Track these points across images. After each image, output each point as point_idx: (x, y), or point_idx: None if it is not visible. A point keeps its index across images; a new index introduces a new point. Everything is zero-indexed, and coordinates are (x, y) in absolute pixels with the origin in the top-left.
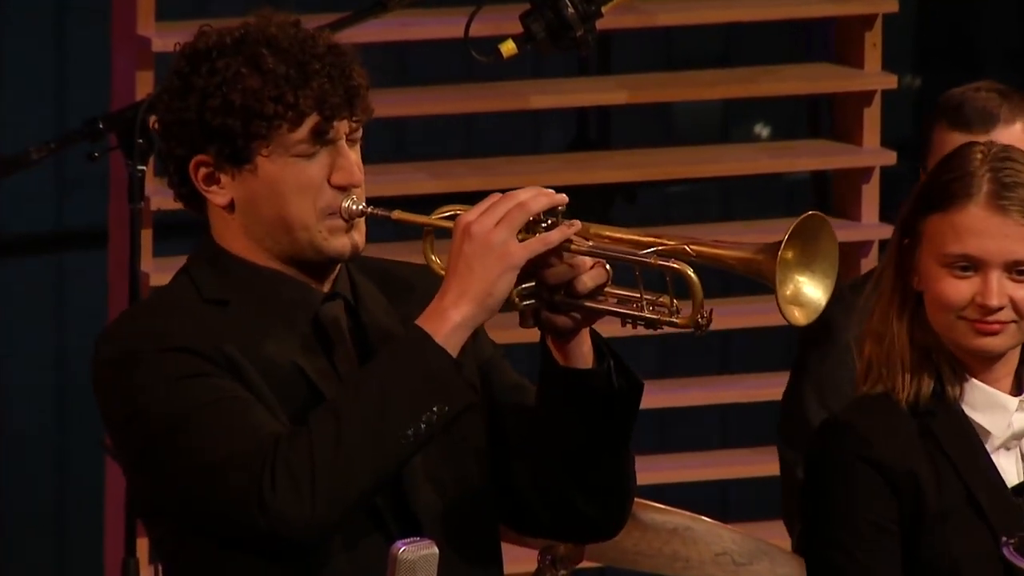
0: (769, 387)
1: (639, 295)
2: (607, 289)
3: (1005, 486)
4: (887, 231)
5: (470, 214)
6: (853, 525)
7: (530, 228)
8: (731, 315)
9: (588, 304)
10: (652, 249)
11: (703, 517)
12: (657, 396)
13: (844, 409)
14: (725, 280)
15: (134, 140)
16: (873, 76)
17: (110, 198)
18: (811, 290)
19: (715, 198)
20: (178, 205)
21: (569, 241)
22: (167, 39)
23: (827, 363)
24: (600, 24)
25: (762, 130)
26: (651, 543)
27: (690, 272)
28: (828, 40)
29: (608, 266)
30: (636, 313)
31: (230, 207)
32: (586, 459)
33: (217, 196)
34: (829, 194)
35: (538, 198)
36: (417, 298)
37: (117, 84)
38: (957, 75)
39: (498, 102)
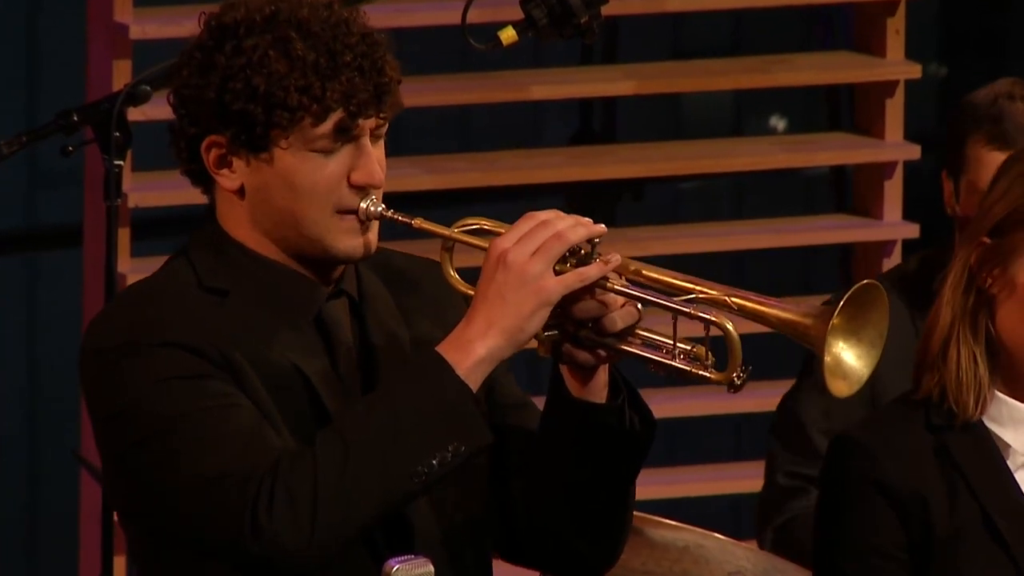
0: None
1: (672, 342)
2: (637, 330)
3: None
4: (911, 230)
5: (505, 240)
6: (859, 553)
7: (563, 258)
8: (745, 320)
9: (615, 344)
10: (691, 296)
11: (715, 534)
12: (667, 406)
13: (856, 424)
14: (737, 280)
15: (111, 133)
16: (896, 65)
17: (85, 195)
18: (854, 359)
19: (727, 195)
20: (158, 202)
21: (605, 278)
22: (145, 26)
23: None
24: (606, 10)
25: (777, 123)
26: (660, 562)
27: (730, 327)
28: (848, 26)
29: (640, 306)
30: (666, 361)
31: (240, 193)
32: (586, 495)
33: (227, 180)
34: (849, 190)
35: (576, 228)
36: (420, 294)
37: (93, 74)
38: (984, 64)
39: (497, 93)
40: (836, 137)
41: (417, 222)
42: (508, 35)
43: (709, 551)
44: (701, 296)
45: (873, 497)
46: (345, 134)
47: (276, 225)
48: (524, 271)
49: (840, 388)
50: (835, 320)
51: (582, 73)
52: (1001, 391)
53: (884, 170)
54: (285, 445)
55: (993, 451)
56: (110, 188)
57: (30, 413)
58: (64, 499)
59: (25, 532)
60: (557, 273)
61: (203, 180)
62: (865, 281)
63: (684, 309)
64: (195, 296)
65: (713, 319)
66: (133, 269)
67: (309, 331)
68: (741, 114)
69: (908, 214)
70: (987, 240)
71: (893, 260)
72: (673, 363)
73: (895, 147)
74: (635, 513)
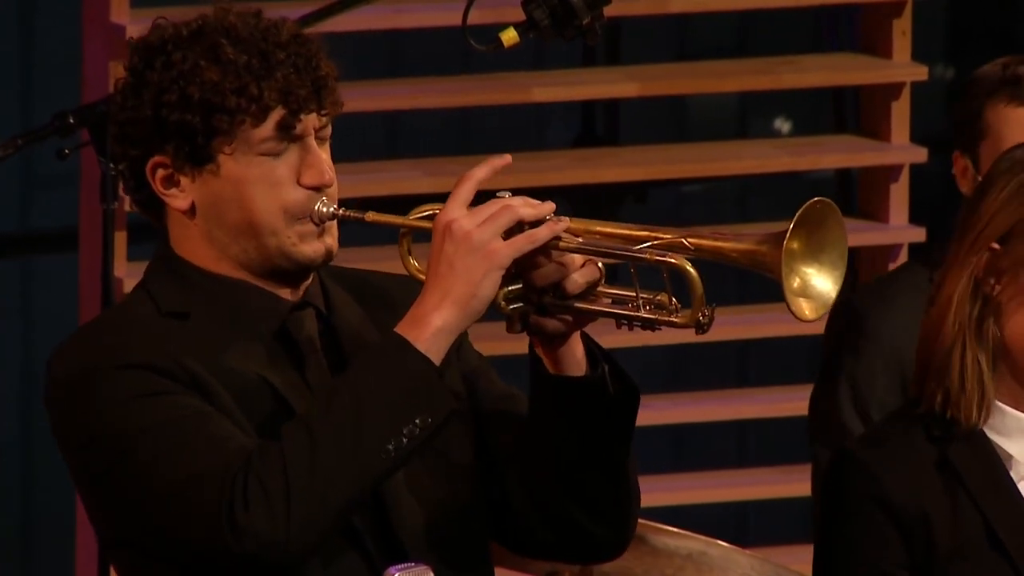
0: (790, 401)
1: (635, 294)
2: (600, 288)
3: None
4: (917, 233)
5: (449, 210)
6: (858, 573)
7: (516, 228)
8: (749, 324)
9: (580, 305)
10: (647, 244)
11: (719, 541)
12: (670, 411)
13: (858, 439)
14: (742, 287)
15: (107, 136)
16: (902, 67)
17: (81, 198)
18: (820, 282)
19: (732, 198)
20: None
21: (558, 238)
22: (143, 27)
23: (862, 362)
24: (608, 11)
25: (782, 125)
26: (663, 570)
27: (689, 267)
28: (854, 28)
29: (601, 264)
30: (632, 313)
31: (191, 211)
32: (583, 472)
33: (176, 200)
34: (854, 194)
35: (526, 208)
36: (395, 308)
37: (89, 75)
38: None
39: (498, 95)
40: (842, 140)
41: (370, 216)
42: (509, 36)
43: (713, 559)
44: (657, 242)
45: (874, 515)
46: (288, 132)
47: (233, 239)
48: (470, 237)
49: (805, 311)
50: (790, 243)
51: (584, 75)
52: (1003, 401)
53: (890, 173)
54: (255, 443)
55: (996, 462)
56: (106, 191)
57: (25, 418)
58: (60, 505)
59: (21, 538)
60: (507, 238)
61: (153, 207)
62: (815, 199)
63: (642, 256)
64: (156, 322)
65: (672, 261)
66: (129, 273)
67: (274, 344)
68: (746, 116)
69: (914, 218)
70: (996, 247)
71: (899, 264)
72: (639, 314)
73: (901, 150)
74: (639, 520)
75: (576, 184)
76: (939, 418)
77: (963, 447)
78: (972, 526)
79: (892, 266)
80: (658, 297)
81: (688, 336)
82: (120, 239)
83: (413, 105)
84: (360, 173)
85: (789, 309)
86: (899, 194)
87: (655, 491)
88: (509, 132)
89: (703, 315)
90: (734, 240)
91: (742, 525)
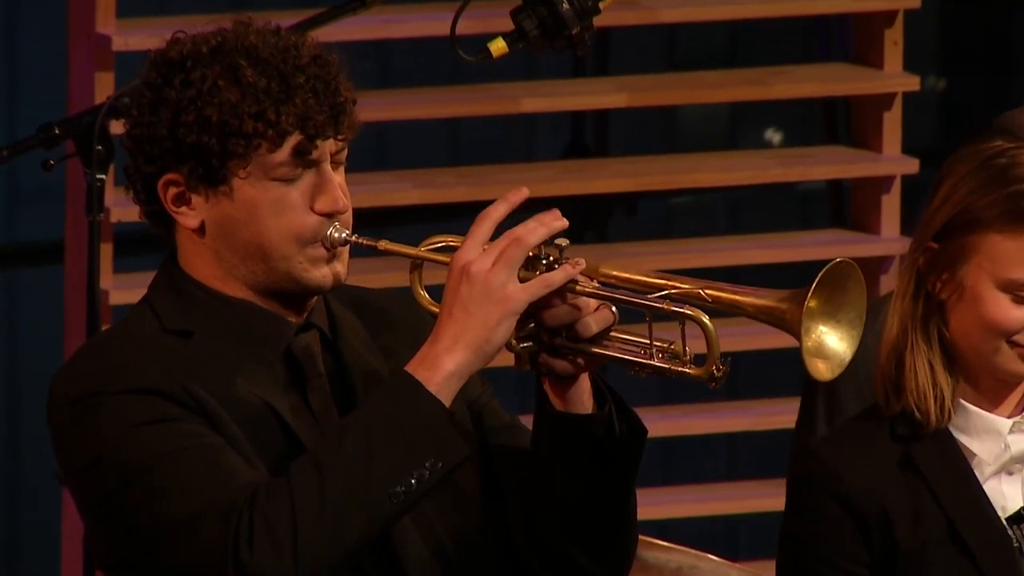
0: (781, 415)
1: (648, 341)
2: (613, 332)
3: (997, 516)
4: (908, 245)
5: (465, 251)
6: (818, 571)
7: (531, 264)
8: (740, 337)
9: (591, 349)
10: (664, 292)
11: (710, 555)
12: (660, 425)
13: (823, 437)
14: None
15: (93, 147)
16: (894, 77)
17: (67, 210)
18: (835, 342)
19: (722, 210)
20: (141, 217)
21: (574, 281)
22: (128, 37)
23: (837, 388)
24: (598, 21)
25: (773, 136)
26: None
27: (705, 319)
28: (845, 38)
29: (615, 308)
30: (644, 361)
31: (200, 230)
32: (585, 510)
33: (187, 218)
34: (846, 205)
35: (536, 230)
36: (396, 328)
37: (74, 86)
38: (985, 77)
39: (487, 106)
40: (833, 151)
41: (382, 244)
42: (498, 47)
43: (703, 573)
44: (674, 292)
45: (836, 514)
46: (304, 158)
47: (243, 260)
48: (487, 282)
49: (821, 370)
50: (810, 302)
51: (574, 85)
52: (965, 399)
53: (882, 184)
54: (261, 478)
55: (960, 461)
56: (92, 203)
57: (10, 435)
58: (45, 518)
59: (6, 551)
60: (523, 281)
61: (163, 222)
62: (838, 259)
63: (658, 305)
64: (158, 340)
65: (688, 313)
66: (115, 285)
67: (279, 366)
68: (737, 127)
69: (906, 229)
70: (934, 245)
71: (891, 276)
72: (651, 362)
73: (893, 161)
74: None
75: (565, 195)
76: (907, 417)
77: (928, 446)
78: (935, 525)
79: (884, 277)
80: (672, 346)
81: None
82: (106, 251)
83: (402, 116)
84: (348, 184)
85: (806, 368)
86: (891, 205)
87: (645, 505)
88: (498, 143)
89: (717, 368)
90: (753, 295)
91: (733, 539)
